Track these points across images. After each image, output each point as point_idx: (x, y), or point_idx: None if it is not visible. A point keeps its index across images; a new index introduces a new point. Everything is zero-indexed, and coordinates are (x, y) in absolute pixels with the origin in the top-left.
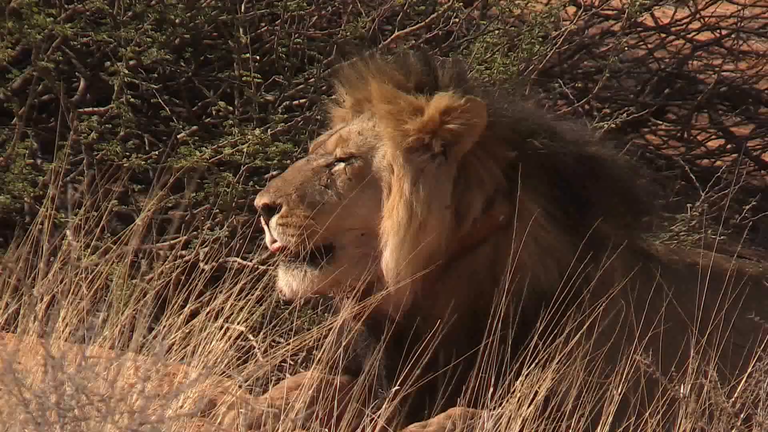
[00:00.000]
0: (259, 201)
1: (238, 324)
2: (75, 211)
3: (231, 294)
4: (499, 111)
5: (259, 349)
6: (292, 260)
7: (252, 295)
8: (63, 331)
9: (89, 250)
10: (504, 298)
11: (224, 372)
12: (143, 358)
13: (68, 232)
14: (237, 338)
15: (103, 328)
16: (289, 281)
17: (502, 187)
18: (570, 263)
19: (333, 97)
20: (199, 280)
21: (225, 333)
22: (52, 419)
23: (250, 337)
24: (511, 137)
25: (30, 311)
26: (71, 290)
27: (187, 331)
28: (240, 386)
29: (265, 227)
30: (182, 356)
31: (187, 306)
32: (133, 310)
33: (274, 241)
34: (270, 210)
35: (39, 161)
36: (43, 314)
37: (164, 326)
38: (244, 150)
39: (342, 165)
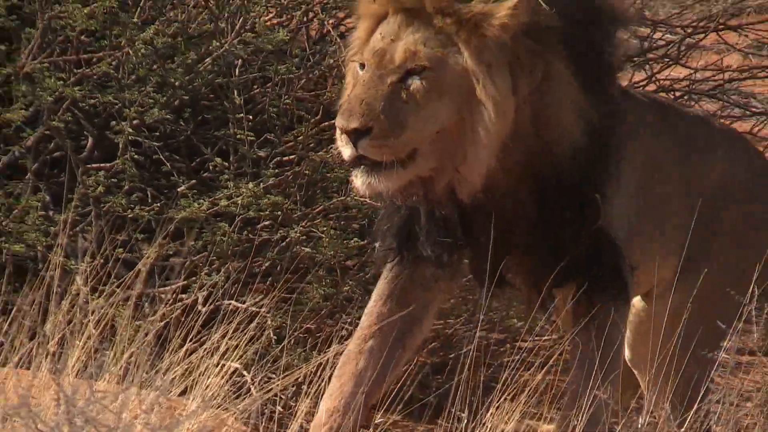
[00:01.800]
0: (348, 125)
1: (232, 361)
2: (83, 259)
3: (226, 333)
4: None
5: (252, 383)
6: (374, 166)
7: (246, 334)
8: (73, 368)
9: (96, 293)
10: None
11: (221, 405)
12: (147, 393)
13: (77, 278)
14: (232, 374)
15: (110, 365)
16: (371, 182)
17: (538, 54)
18: (593, 119)
19: None
20: (197, 321)
21: (221, 369)
22: None
23: (245, 372)
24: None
25: (42, 350)
26: (80, 330)
27: (186, 367)
28: (236, 418)
29: (348, 146)
30: (182, 390)
31: (186, 344)
32: (137, 349)
33: (358, 155)
34: (359, 133)
35: (50, 213)
36: (55, 352)
37: (165, 363)
38: (239, 202)
39: (417, 80)
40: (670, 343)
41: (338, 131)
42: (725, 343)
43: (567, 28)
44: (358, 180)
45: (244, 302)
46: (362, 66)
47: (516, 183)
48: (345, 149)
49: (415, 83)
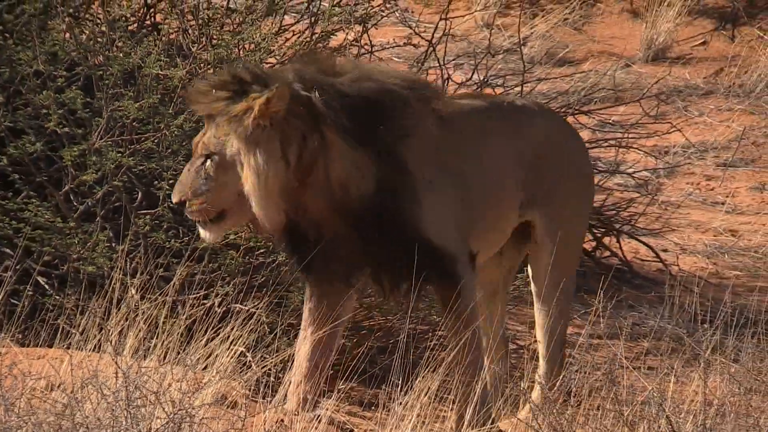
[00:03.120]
0: (174, 199)
1: (239, 346)
2: (135, 276)
3: (234, 326)
4: (293, 81)
5: (252, 362)
6: (205, 223)
7: (248, 327)
8: (129, 350)
9: (144, 300)
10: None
11: (231, 377)
12: (180, 368)
13: (131, 289)
14: (239, 355)
15: (154, 349)
16: (203, 234)
17: (309, 128)
18: (374, 169)
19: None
20: (213, 318)
21: (231, 352)
22: (122, 407)
23: (247, 354)
24: (305, 98)
25: (107, 339)
26: (133, 325)
27: (207, 351)
28: (241, 386)
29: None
30: (204, 366)
31: (206, 334)
32: (174, 337)
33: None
34: (181, 203)
35: (113, 244)
36: (116, 341)
37: (192, 348)
38: (242, 236)
39: (209, 161)
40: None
41: None
42: (584, 330)
43: (346, 109)
44: (199, 232)
45: (246, 305)
46: None
47: (331, 216)
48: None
49: (208, 164)
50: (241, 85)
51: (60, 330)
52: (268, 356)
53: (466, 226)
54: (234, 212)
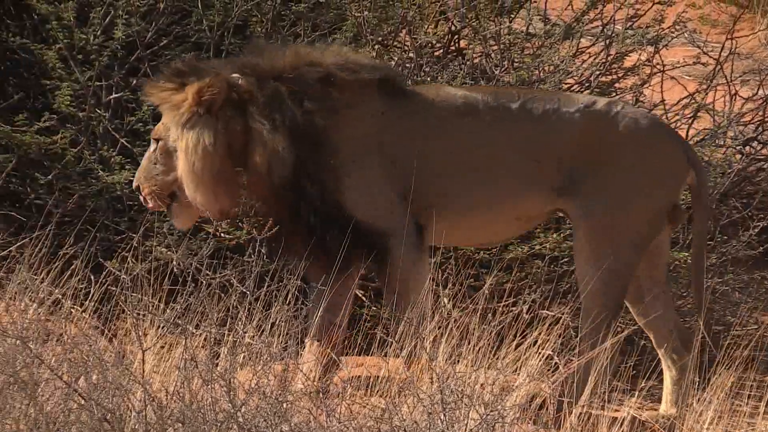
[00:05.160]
0: (134, 185)
1: (546, 349)
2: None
3: (541, 331)
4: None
5: (560, 363)
6: (167, 209)
7: (555, 331)
8: (442, 357)
9: (456, 308)
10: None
11: (539, 379)
12: (491, 372)
13: (444, 299)
14: (546, 358)
15: (466, 355)
16: (173, 221)
17: (239, 115)
18: (292, 153)
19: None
20: (522, 324)
21: (539, 355)
22: (437, 410)
23: (554, 356)
24: (237, 86)
25: (422, 346)
26: (446, 332)
27: (517, 354)
28: (549, 388)
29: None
30: (514, 369)
31: (515, 339)
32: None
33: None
34: (136, 190)
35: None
36: (430, 347)
37: (503, 352)
38: (547, 246)
39: (155, 146)
40: None
41: None
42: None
43: (270, 94)
44: (169, 219)
45: (552, 311)
46: None
47: (275, 201)
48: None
49: (156, 150)
50: (181, 77)
51: (377, 339)
52: (573, 359)
53: (406, 204)
54: (183, 193)
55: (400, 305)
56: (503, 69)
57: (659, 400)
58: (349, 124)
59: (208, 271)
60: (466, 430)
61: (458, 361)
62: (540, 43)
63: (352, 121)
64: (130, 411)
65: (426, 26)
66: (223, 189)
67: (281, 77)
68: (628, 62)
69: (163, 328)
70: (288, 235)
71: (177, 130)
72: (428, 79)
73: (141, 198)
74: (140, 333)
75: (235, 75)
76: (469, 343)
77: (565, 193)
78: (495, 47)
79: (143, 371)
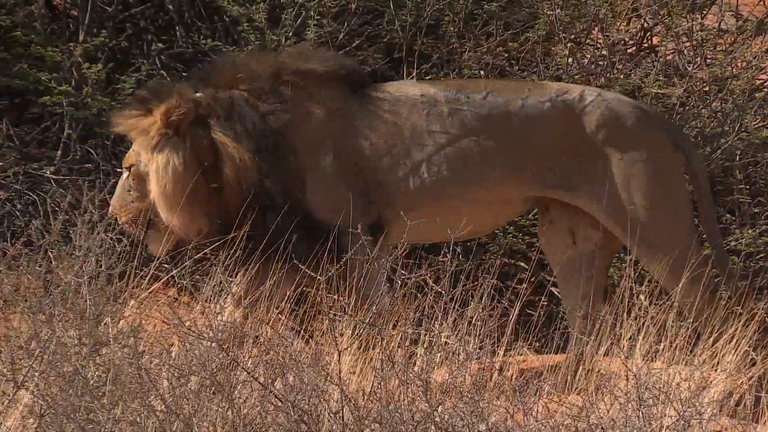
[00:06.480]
0: (110, 213)
1: (743, 345)
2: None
3: (738, 327)
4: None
5: (757, 358)
6: (144, 234)
7: (752, 326)
8: (638, 354)
9: (653, 305)
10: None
11: (736, 375)
12: (687, 368)
13: (641, 296)
14: (743, 354)
15: (663, 351)
16: (148, 244)
17: (205, 132)
18: (256, 158)
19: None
20: (718, 320)
21: (737, 351)
22: (634, 407)
23: (752, 352)
24: (201, 105)
25: (618, 344)
26: (643, 329)
27: (714, 350)
28: (747, 384)
29: None
30: (711, 365)
31: (712, 335)
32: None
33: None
34: (113, 217)
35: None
36: (626, 345)
37: (700, 348)
38: (743, 242)
39: (127, 173)
40: None
41: None
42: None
43: (229, 107)
44: (147, 245)
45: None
46: None
47: (250, 212)
48: None
49: (129, 177)
50: (146, 103)
51: (574, 337)
52: None
53: (364, 201)
54: (160, 221)
55: (360, 303)
56: (696, 66)
57: None
58: (303, 123)
59: (403, 271)
60: (662, 426)
61: (654, 358)
62: (732, 39)
63: (307, 119)
64: (327, 412)
65: (618, 23)
66: (199, 209)
67: (234, 84)
68: None
69: (359, 328)
70: (259, 239)
71: (147, 154)
72: (621, 77)
73: (122, 225)
74: (335, 334)
75: (197, 94)
76: (665, 339)
77: (556, 186)
78: (687, 44)
79: (340, 372)
